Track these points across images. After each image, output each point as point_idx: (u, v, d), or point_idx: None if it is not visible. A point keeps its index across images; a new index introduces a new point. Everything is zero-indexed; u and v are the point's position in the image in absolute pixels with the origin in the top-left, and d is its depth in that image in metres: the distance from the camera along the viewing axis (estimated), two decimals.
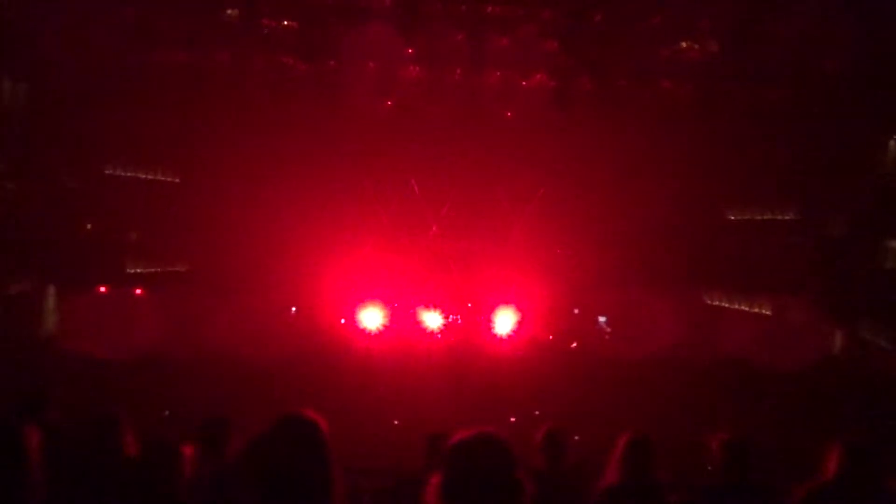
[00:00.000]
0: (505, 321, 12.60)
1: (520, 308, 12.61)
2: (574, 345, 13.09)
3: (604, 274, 12.28)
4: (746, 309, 12.21)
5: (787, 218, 11.94)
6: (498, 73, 11.25)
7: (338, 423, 2.88)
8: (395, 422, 10.49)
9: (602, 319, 13.36)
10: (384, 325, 12.47)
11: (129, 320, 11.12)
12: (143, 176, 11.85)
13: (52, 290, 11.48)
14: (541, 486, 2.49)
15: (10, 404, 4.93)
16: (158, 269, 12.19)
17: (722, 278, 12.33)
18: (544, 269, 12.72)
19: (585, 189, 11.77)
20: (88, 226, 11.94)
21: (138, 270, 12.14)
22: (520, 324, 12.60)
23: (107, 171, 11.52)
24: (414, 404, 10.38)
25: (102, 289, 11.74)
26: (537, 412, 10.11)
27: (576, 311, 13.33)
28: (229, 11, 10.43)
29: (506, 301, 12.62)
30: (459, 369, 12.00)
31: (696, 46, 10.74)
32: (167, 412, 9.20)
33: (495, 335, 12.57)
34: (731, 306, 12.50)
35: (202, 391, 9.15)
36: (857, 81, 10.00)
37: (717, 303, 12.70)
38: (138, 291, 12.02)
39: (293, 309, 12.85)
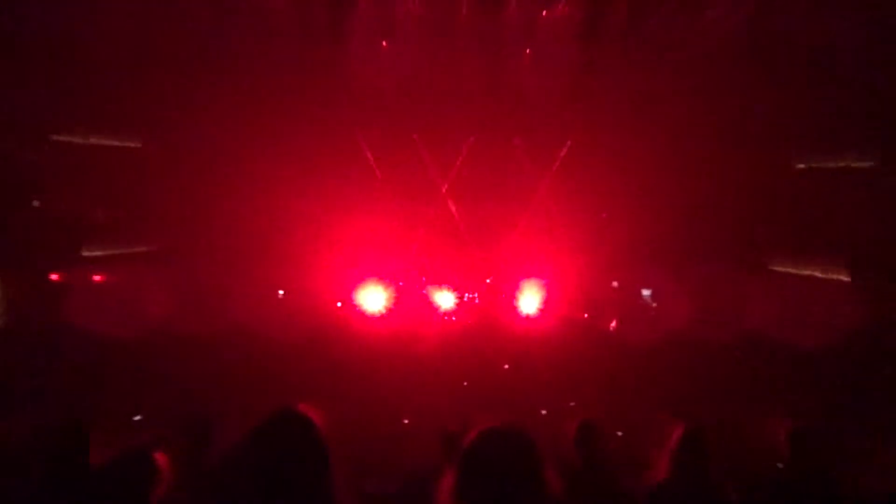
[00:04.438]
0: (531, 298, 12.79)
1: (548, 282, 12.82)
2: (613, 324, 13.15)
3: (648, 239, 12.25)
4: (820, 276, 12.08)
5: (866, 165, 11.71)
6: (514, 3, 11.19)
7: (336, 421, 2.95)
8: (405, 420, 10.65)
9: (646, 293, 13.45)
10: (388, 308, 12.72)
11: (86, 312, 11.05)
12: (100, 142, 11.89)
13: None
14: (575, 485, 2.51)
15: None
16: (121, 251, 12.24)
17: (790, 241, 12.28)
18: (576, 235, 12.85)
19: (624, 139, 11.75)
20: (35, 202, 11.83)
21: (97, 253, 12.15)
22: (548, 301, 12.81)
23: (55, 138, 11.55)
24: (425, 398, 10.53)
25: (54, 276, 11.74)
26: (572, 403, 10.23)
27: (615, 284, 13.43)
28: None
29: (531, 275, 12.83)
30: (478, 356, 12.12)
31: None
32: (138, 416, 9.25)
33: (520, 315, 12.76)
34: (801, 273, 12.41)
35: (178, 389, 9.21)
36: None
37: (784, 270, 12.64)
38: (97, 277, 12.08)
39: (280, 292, 13.02)
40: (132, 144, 12.13)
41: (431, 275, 13.20)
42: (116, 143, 12.05)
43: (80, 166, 11.43)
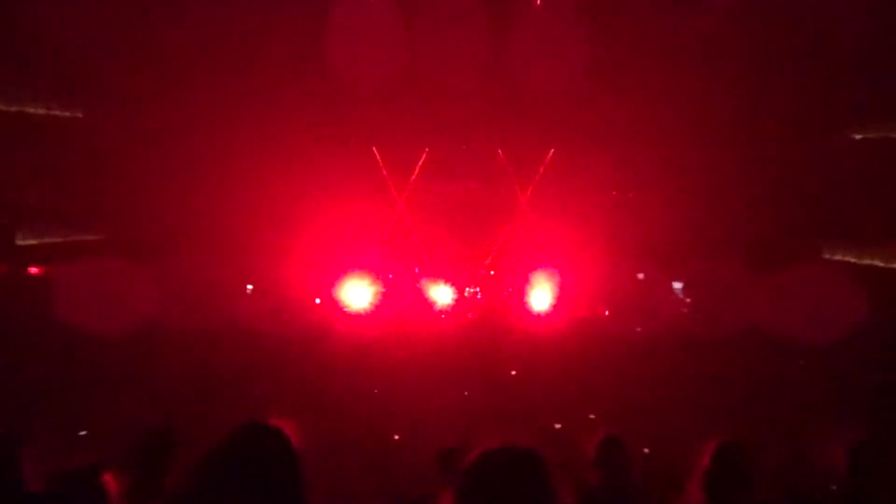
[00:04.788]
0: (542, 293, 13.03)
1: (562, 274, 13.11)
2: (639, 323, 13.29)
3: (681, 223, 12.33)
4: (881, 265, 12.21)
5: None
6: None
7: (315, 437, 3.00)
8: (395, 436, 10.60)
9: (678, 287, 13.57)
10: (375, 305, 12.97)
11: (18, 308, 11.21)
12: (35, 111, 11.91)
13: None
14: None
15: None
16: (62, 240, 12.36)
17: (846, 223, 12.40)
18: (596, 218, 13.04)
19: (653, 104, 11.83)
20: None
21: (32, 242, 12.26)
22: (563, 296, 13.07)
23: None
24: (418, 411, 10.62)
25: None
26: (591, 416, 10.31)
27: (640, 276, 13.56)
28: None
29: (542, 265, 13.19)
30: (480, 361, 12.18)
31: None
32: (84, 431, 9.16)
33: (529, 313, 12.97)
34: (861, 262, 12.50)
35: (131, 399, 9.26)
36: None
37: (840, 258, 12.70)
38: (33, 270, 12.22)
39: (249, 287, 13.29)
40: (72, 114, 12.32)
41: (426, 266, 13.43)
42: (54, 113, 12.19)
43: (9, 139, 11.52)
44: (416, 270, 13.50)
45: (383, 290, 13.16)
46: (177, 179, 11.98)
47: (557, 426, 10.35)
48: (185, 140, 11.95)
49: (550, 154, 13.29)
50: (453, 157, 13.37)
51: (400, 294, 13.34)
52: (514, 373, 12.49)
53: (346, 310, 12.93)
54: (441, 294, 13.27)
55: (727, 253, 12.24)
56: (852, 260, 12.67)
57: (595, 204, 13.23)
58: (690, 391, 10.64)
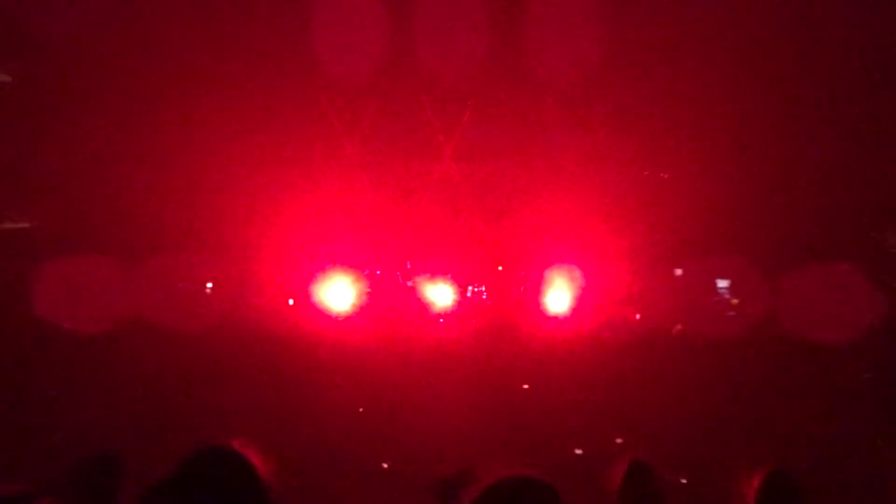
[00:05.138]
0: (561, 292, 12.78)
1: (585, 270, 12.83)
2: (678, 327, 13.16)
3: (727, 211, 12.29)
4: None
5: None
6: None
7: (286, 464, 3.03)
8: (384, 465, 10.97)
9: (723, 286, 13.38)
10: (359, 307, 12.81)
11: None
12: None
13: None
14: None
15: None
16: None
17: None
18: (625, 204, 12.87)
19: (690, 66, 11.81)
20: None
21: None
22: (585, 296, 12.82)
23: None
24: (413, 434, 10.92)
25: None
26: (619, 440, 10.53)
27: (678, 272, 13.36)
28: None
29: (561, 259, 12.83)
30: (486, 374, 12.25)
31: None
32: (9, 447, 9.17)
33: (545, 315, 12.76)
34: None
35: (71, 414, 9.56)
36: None
37: None
38: None
39: (208, 285, 13.14)
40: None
41: (421, 260, 13.28)
42: None
43: None
44: (409, 265, 13.43)
45: (369, 289, 13.00)
46: (128, 158, 12.09)
47: (578, 452, 10.76)
48: (127, 103, 11.96)
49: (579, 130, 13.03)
50: (453, 130, 13.17)
51: (389, 294, 13.23)
52: (526, 387, 12.73)
53: (324, 313, 12.80)
54: (438, 294, 13.12)
55: (783, 247, 12.30)
56: None
57: (624, 185, 13.14)
58: (737, 411, 10.94)
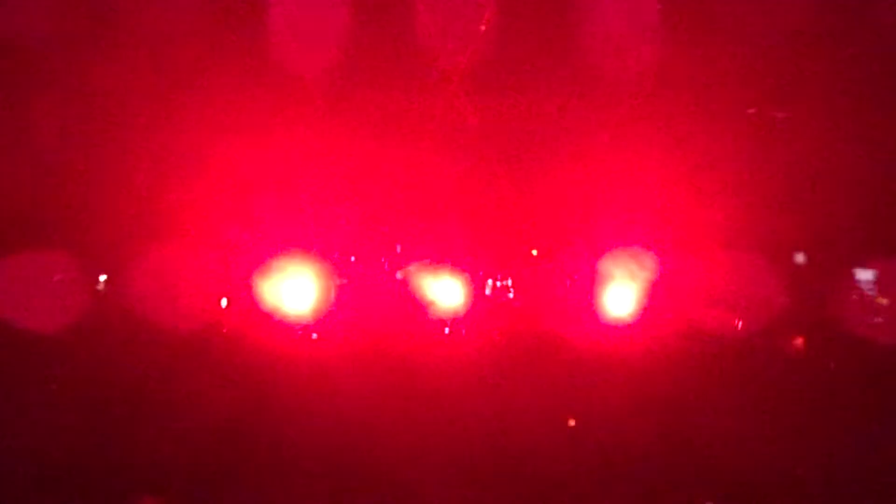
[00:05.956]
0: (624, 290, 11.64)
1: (660, 257, 11.59)
2: (798, 342, 11.84)
3: (870, 176, 11.44)
4: None
5: None
6: None
7: None
8: None
9: (866, 279, 11.83)
10: (326, 310, 11.50)
11: None
12: None
13: None
14: None
15: None
16: None
17: None
18: (721, 158, 11.53)
19: None
20: None
21: None
22: (659, 295, 11.60)
23: None
24: (409, 494, 9.84)
25: None
26: None
27: (800, 258, 11.91)
28: None
29: (625, 241, 11.63)
30: (514, 406, 10.88)
31: None
32: None
33: (600, 322, 11.67)
34: None
35: None
36: None
37: None
38: None
39: (101, 279, 11.81)
40: None
41: (417, 241, 11.94)
42: None
43: None
44: (399, 250, 11.95)
45: (340, 283, 11.50)
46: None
47: None
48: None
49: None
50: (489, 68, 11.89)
51: (371, 291, 11.79)
52: (572, 423, 11.39)
53: (274, 317, 11.37)
54: (443, 291, 11.65)
55: None
56: None
57: (721, 127, 11.62)
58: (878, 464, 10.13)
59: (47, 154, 11.62)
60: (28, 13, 11.41)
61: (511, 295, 12.13)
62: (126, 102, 11.49)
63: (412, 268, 11.94)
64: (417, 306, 11.81)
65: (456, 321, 11.83)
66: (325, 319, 11.58)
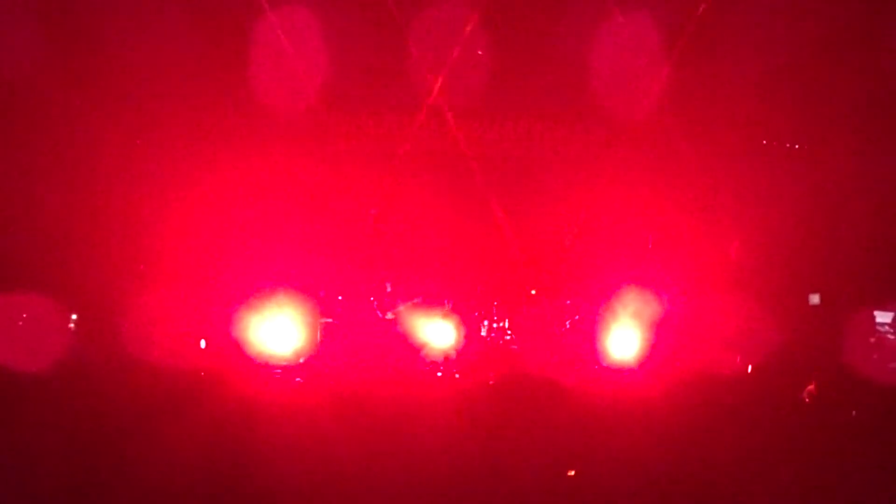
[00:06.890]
0: (629, 331, 11.42)
1: (667, 296, 11.55)
2: (811, 388, 10.57)
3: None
4: None
5: None
6: None
7: None
8: None
9: (885, 320, 11.66)
10: (312, 353, 11.26)
11: None
12: None
13: None
14: None
15: None
16: None
17: None
18: (730, 191, 11.70)
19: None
20: None
21: None
22: (666, 337, 11.44)
23: None
24: None
25: None
26: None
27: (815, 299, 11.96)
28: None
29: (630, 279, 11.54)
30: (513, 456, 9.09)
31: None
32: None
33: (603, 366, 11.45)
34: None
35: None
36: None
37: None
38: None
39: (73, 318, 11.71)
40: None
41: (407, 279, 11.89)
42: None
43: None
44: (388, 288, 11.92)
45: (326, 323, 11.37)
46: None
47: None
48: None
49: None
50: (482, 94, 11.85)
51: (358, 333, 11.56)
52: (572, 473, 9.65)
53: (256, 362, 10.85)
54: (436, 333, 11.48)
55: None
56: None
57: (733, 156, 11.99)
58: None
59: (15, 193, 11.30)
60: None
61: (508, 336, 12.07)
62: (100, 138, 11.30)
63: (403, 307, 11.90)
64: (408, 348, 11.68)
65: (449, 364, 11.63)
66: (310, 362, 11.39)
